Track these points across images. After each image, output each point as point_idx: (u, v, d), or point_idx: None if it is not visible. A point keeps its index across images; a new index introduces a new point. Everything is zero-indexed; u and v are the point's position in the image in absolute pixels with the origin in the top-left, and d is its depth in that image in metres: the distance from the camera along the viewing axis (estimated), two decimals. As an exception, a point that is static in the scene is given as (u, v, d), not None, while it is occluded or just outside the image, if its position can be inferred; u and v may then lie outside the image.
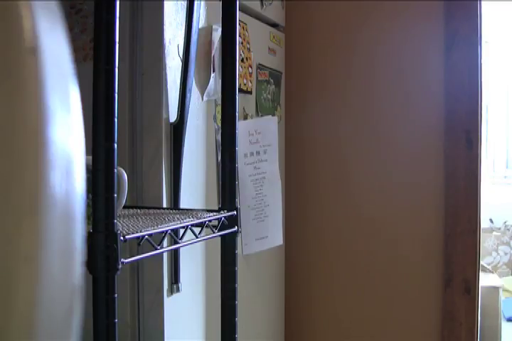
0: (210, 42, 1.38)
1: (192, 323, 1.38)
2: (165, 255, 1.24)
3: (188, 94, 1.27)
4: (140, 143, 1.26)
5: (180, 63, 1.28)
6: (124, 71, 1.23)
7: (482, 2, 1.86)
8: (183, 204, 1.29)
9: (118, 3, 0.72)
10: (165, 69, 1.24)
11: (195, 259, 1.38)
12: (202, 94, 1.38)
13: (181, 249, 1.26)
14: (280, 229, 1.77)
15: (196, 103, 1.36)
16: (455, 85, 1.86)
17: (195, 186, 1.37)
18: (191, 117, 1.31)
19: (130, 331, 1.24)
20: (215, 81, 1.39)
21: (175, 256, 1.27)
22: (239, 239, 1.38)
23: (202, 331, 1.41)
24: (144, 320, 1.25)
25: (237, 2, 1.11)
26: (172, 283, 1.27)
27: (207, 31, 1.38)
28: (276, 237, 1.75)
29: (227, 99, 1.12)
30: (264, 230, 1.69)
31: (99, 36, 0.72)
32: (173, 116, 1.27)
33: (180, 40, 1.28)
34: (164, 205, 1.24)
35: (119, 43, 0.73)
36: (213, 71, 1.39)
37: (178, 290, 1.28)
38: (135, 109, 1.26)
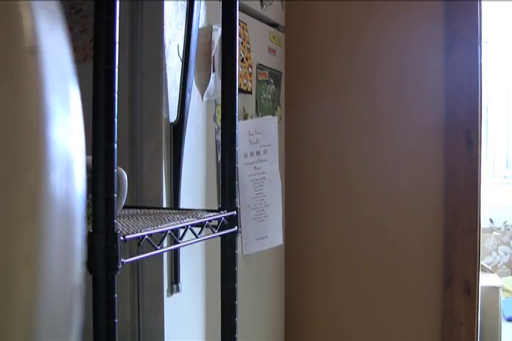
0: (210, 42, 1.38)
1: (192, 323, 1.38)
2: (165, 255, 1.24)
3: (188, 94, 1.27)
4: (140, 143, 1.26)
5: (180, 63, 1.28)
6: (124, 71, 1.23)
7: (482, 2, 1.86)
8: (183, 204, 1.29)
9: (118, 3, 0.72)
10: (165, 69, 1.24)
11: (195, 259, 1.38)
12: (202, 94, 1.38)
13: (181, 249, 1.26)
14: (280, 229, 1.77)
15: (196, 103, 1.36)
16: (455, 85, 1.86)
17: (195, 186, 1.37)
18: (191, 117, 1.31)
19: (130, 331, 1.24)
20: (215, 81, 1.39)
21: (175, 256, 1.27)
22: (239, 239, 1.38)
23: (202, 331, 1.41)
24: (143, 320, 1.25)
25: (237, 2, 1.11)
26: (172, 283, 1.27)
27: (207, 31, 1.38)
28: (276, 237, 1.75)
29: (227, 99, 1.12)
30: (264, 230, 1.69)
31: (99, 36, 0.72)
32: (173, 116, 1.27)
33: (180, 40, 1.28)
34: (164, 205, 1.24)
35: (119, 43, 0.73)
36: (213, 71, 1.39)
37: (178, 290, 1.28)
38: (135, 109, 1.26)
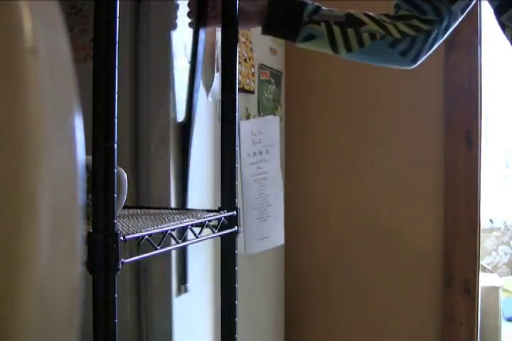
0: (213, 43, 1.37)
1: (200, 324, 1.37)
2: (173, 256, 1.23)
3: (195, 94, 1.27)
4: (148, 143, 1.25)
5: (187, 63, 1.28)
6: (130, 71, 1.22)
7: (482, 2, 1.86)
8: (191, 204, 1.27)
9: (118, 3, 0.72)
10: (172, 69, 1.24)
11: (203, 260, 1.37)
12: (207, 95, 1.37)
13: (189, 249, 1.26)
14: (282, 229, 1.77)
15: (204, 103, 1.35)
16: (455, 85, 1.86)
17: (204, 186, 1.37)
18: (199, 117, 1.31)
19: (138, 332, 1.24)
20: (219, 81, 1.38)
21: (183, 256, 1.26)
22: (242, 239, 1.38)
23: (211, 332, 1.40)
24: (152, 321, 1.24)
25: (237, 2, 1.11)
26: (180, 284, 1.26)
27: (211, 31, 1.37)
28: (277, 237, 1.75)
29: (227, 98, 1.12)
30: (267, 230, 1.68)
31: (99, 36, 0.72)
32: (180, 116, 1.26)
33: (187, 40, 1.28)
34: (172, 205, 1.24)
35: (121, 43, 0.73)
36: (217, 71, 1.38)
37: (186, 290, 1.27)
38: (142, 109, 1.25)
